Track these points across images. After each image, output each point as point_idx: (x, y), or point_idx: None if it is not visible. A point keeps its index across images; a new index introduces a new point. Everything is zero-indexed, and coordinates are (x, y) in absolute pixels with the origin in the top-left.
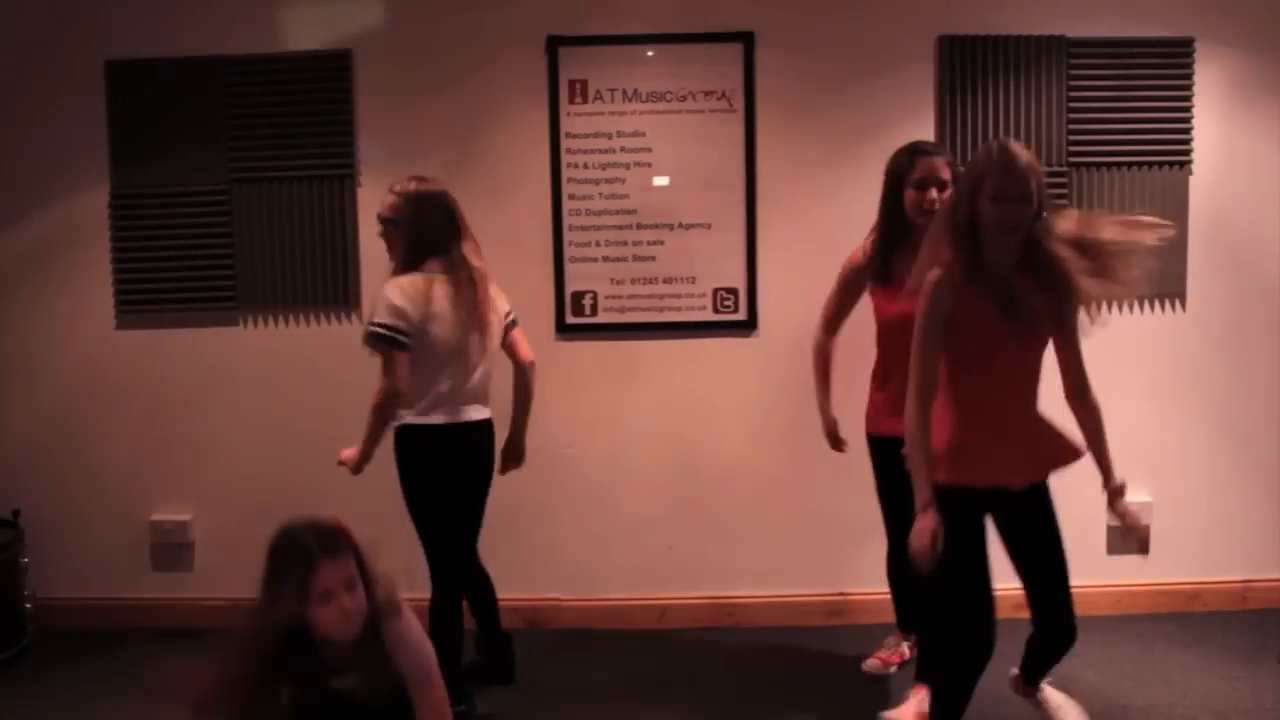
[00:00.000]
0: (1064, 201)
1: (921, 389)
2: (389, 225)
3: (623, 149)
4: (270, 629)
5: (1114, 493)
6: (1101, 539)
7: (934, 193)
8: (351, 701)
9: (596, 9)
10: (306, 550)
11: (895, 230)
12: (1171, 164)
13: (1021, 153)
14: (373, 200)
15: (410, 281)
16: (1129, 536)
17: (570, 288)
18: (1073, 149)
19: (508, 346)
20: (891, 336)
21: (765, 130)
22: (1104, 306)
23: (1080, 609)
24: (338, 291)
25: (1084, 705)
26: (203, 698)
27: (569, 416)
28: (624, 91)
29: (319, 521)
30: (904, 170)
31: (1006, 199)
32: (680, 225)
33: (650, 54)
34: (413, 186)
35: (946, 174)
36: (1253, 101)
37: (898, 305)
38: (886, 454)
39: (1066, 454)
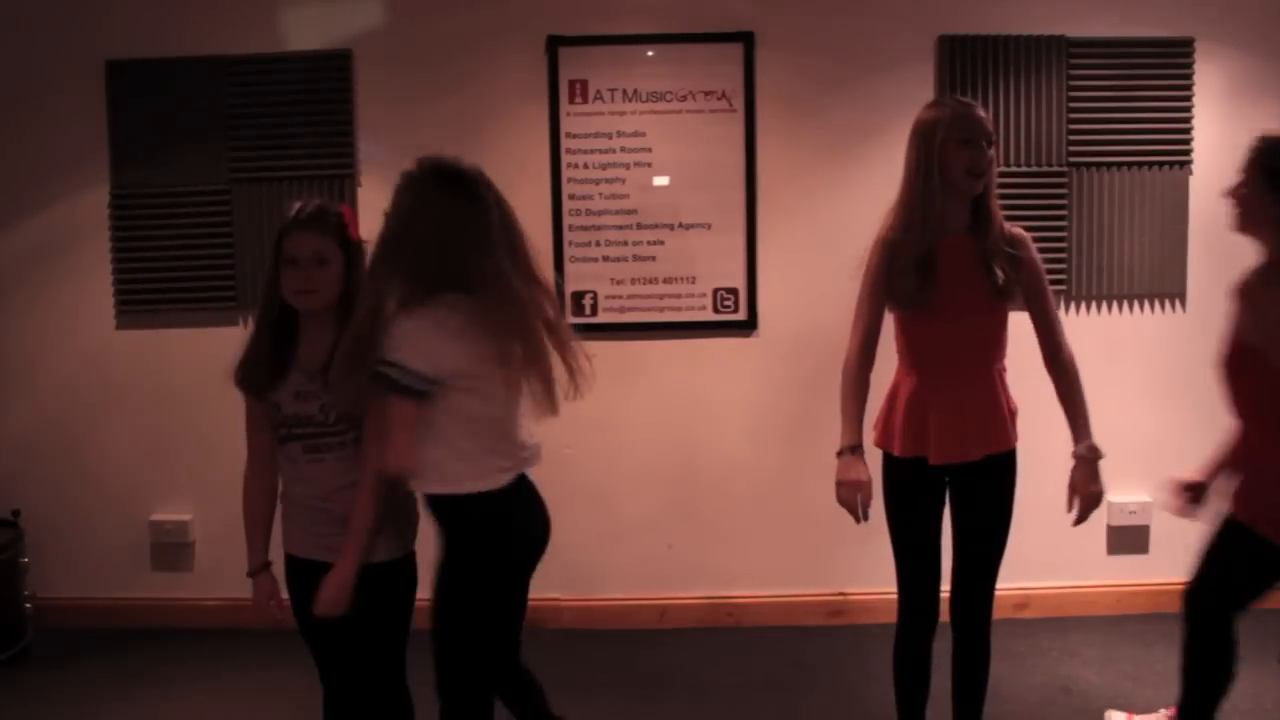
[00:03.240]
0: (1064, 201)
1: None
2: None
3: (623, 149)
4: (266, 287)
5: (1078, 457)
6: (1102, 539)
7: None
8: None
9: (596, 9)
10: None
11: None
12: (1171, 164)
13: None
14: (373, 200)
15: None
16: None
17: (570, 288)
18: (1073, 149)
19: None
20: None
21: (765, 130)
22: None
23: (1080, 609)
24: None
25: (1084, 706)
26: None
27: (569, 416)
28: (624, 91)
29: (321, 202)
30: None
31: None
32: (680, 225)
33: (650, 54)
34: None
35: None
36: (1253, 101)
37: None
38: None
39: (1001, 440)
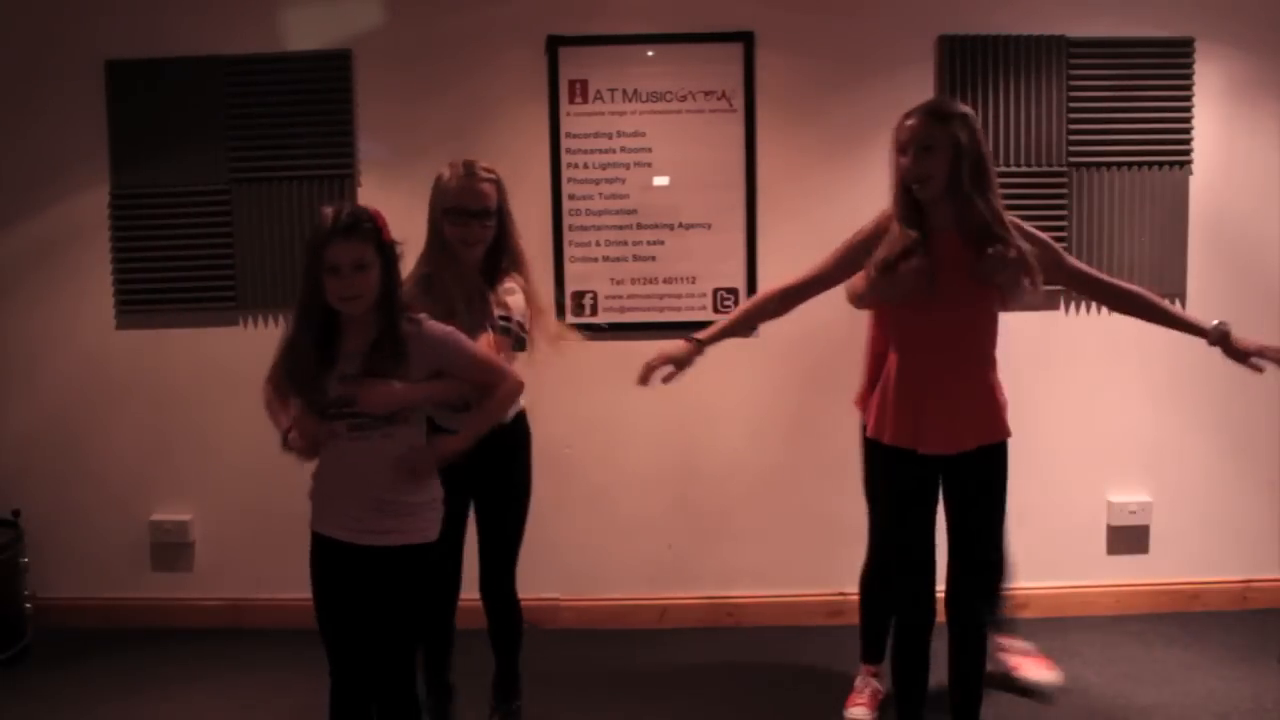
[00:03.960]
0: (1064, 201)
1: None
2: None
3: (623, 149)
4: (305, 290)
5: (1220, 339)
6: (1101, 539)
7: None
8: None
9: (596, 9)
10: (322, 228)
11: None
12: (1171, 164)
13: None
14: (373, 200)
15: None
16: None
17: (570, 288)
18: (1073, 149)
19: None
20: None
21: (765, 130)
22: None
23: (1080, 609)
24: None
25: (1084, 705)
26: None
27: (569, 416)
28: (624, 91)
29: (354, 208)
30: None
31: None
32: (680, 225)
33: (650, 54)
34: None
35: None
36: (1253, 101)
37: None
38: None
39: (994, 431)
